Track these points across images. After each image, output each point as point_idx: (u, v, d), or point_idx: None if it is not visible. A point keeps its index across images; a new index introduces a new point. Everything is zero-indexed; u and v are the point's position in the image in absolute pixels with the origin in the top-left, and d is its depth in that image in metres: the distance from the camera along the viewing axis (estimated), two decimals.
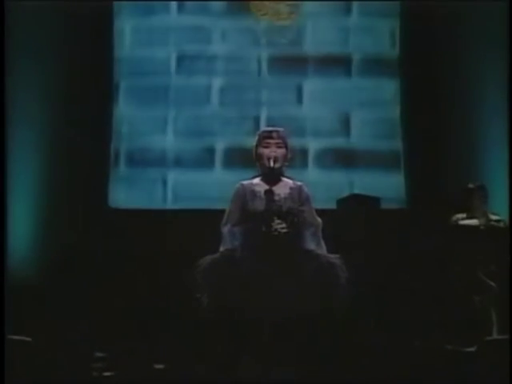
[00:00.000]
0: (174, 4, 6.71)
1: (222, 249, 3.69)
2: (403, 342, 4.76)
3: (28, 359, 4.05)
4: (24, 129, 5.98)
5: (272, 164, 3.67)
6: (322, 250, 3.71)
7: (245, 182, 3.81)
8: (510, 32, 6.05)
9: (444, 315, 5.26)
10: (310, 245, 3.68)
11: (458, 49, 6.39)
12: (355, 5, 6.69)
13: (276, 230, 3.55)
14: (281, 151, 3.72)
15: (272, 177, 3.72)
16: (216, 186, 6.16)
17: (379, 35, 6.67)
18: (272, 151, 3.69)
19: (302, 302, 3.47)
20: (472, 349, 4.68)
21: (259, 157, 3.75)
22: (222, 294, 3.50)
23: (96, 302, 5.56)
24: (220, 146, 6.56)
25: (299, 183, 3.82)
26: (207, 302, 3.52)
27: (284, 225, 3.58)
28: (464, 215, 5.43)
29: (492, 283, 5.18)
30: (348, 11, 6.72)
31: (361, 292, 4.02)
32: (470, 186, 5.48)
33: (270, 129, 3.81)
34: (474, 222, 5.40)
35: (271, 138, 3.73)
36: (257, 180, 3.80)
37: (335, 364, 3.57)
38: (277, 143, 3.72)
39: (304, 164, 6.45)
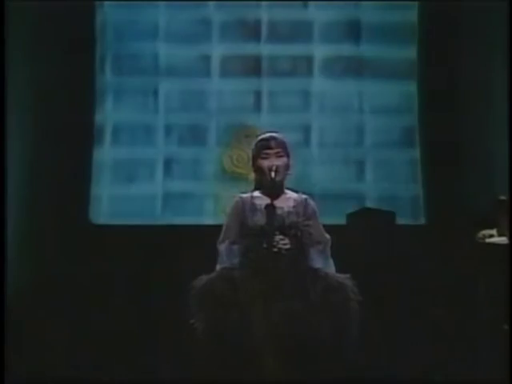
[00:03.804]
0: None
1: (218, 268, 3.69)
2: (422, 375, 4.79)
3: None
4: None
5: (273, 176, 3.67)
6: (331, 269, 3.72)
7: (244, 195, 3.80)
8: None
9: (469, 346, 5.26)
10: (317, 263, 3.69)
11: (481, 48, 6.48)
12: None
13: (277, 246, 3.57)
14: (281, 161, 3.72)
15: (274, 189, 3.71)
16: None
17: None
18: (272, 162, 3.70)
19: (308, 327, 3.47)
20: None
21: (258, 169, 3.75)
22: (220, 318, 3.50)
23: (79, 335, 5.60)
24: None
25: (304, 196, 3.81)
26: (203, 328, 3.53)
27: (287, 241, 3.59)
28: (492, 232, 5.44)
29: None
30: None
31: (373, 316, 4.07)
32: (502, 198, 5.47)
33: (267, 136, 3.78)
34: (503, 240, 5.40)
35: (269, 147, 3.72)
36: (257, 193, 3.79)
37: None
38: (276, 153, 3.72)
39: None
